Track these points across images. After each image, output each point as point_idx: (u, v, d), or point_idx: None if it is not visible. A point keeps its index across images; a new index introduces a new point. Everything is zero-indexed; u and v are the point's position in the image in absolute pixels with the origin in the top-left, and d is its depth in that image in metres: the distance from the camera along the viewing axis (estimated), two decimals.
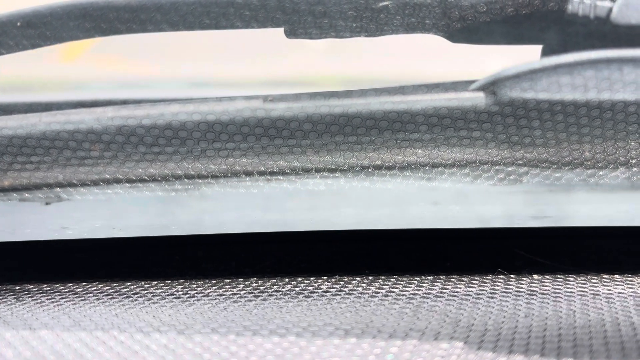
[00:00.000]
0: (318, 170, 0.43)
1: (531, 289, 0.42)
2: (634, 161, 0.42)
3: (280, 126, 0.40)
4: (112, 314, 0.39)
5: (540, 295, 0.41)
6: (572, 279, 0.44)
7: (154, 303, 0.41)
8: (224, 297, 0.42)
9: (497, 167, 0.42)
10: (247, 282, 0.45)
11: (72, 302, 0.42)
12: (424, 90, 0.41)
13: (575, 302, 0.39)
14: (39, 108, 0.53)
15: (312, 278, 0.45)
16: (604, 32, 0.42)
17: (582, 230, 0.50)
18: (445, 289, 0.42)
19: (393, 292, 0.42)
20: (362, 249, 0.50)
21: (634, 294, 0.41)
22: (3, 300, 0.42)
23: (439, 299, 0.41)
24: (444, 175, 0.43)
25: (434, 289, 0.42)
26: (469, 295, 0.41)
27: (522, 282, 0.43)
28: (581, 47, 0.37)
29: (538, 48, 0.47)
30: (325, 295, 0.42)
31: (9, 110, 0.53)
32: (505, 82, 0.38)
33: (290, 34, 0.46)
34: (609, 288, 0.42)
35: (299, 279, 0.45)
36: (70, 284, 0.45)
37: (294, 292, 0.42)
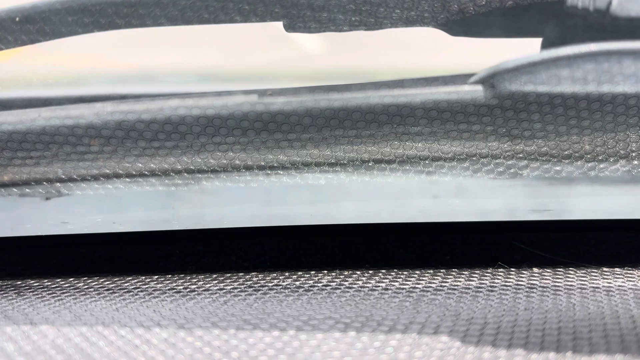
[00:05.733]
0: (318, 165, 0.43)
1: (531, 282, 0.42)
2: (634, 154, 0.42)
3: (280, 120, 0.40)
4: (113, 309, 0.39)
5: (540, 289, 0.41)
6: (572, 272, 0.44)
7: (154, 297, 0.41)
8: (224, 291, 0.42)
9: (496, 161, 0.42)
10: (247, 276, 0.45)
11: (73, 297, 0.42)
12: (423, 84, 0.41)
13: (575, 295, 0.39)
14: (38, 103, 0.53)
15: (312, 272, 0.45)
16: (603, 24, 0.42)
17: (582, 224, 0.50)
18: (445, 282, 0.42)
19: (393, 285, 0.42)
20: (361, 242, 0.50)
21: (634, 287, 0.41)
22: (4, 295, 0.43)
23: (438, 292, 0.41)
24: (444, 168, 0.43)
25: (433, 283, 0.42)
26: (469, 288, 0.41)
27: (522, 275, 0.43)
28: (581, 40, 0.37)
29: (537, 41, 0.47)
30: (325, 289, 0.42)
31: (8, 106, 0.53)
32: (504, 75, 0.38)
33: (289, 27, 0.46)
34: (608, 281, 0.42)
35: (299, 273, 0.45)
36: (71, 279, 0.45)
37: (294, 286, 0.42)
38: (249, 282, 0.44)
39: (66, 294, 0.42)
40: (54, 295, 0.42)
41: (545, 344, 0.32)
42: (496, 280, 0.42)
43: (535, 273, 0.44)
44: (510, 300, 0.39)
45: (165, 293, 0.42)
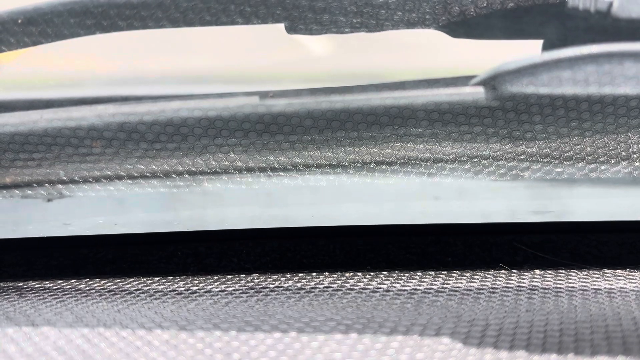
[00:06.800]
0: (319, 166, 0.43)
1: (532, 284, 0.42)
2: (635, 156, 0.42)
3: (282, 122, 0.40)
4: (115, 310, 0.39)
5: (542, 290, 0.41)
6: (573, 274, 0.44)
7: (156, 299, 0.41)
8: (225, 292, 0.42)
9: (498, 162, 0.42)
10: (249, 278, 0.45)
11: (74, 299, 0.42)
12: (425, 86, 0.41)
13: (576, 297, 0.39)
14: (40, 105, 0.53)
15: (313, 273, 0.45)
16: (604, 26, 0.42)
17: (583, 225, 0.50)
18: (447, 284, 0.42)
19: (394, 287, 0.42)
20: (363, 244, 0.50)
21: (636, 289, 0.41)
22: (6, 296, 0.43)
23: (440, 294, 0.41)
24: (445, 170, 0.43)
25: (435, 284, 0.42)
26: (471, 290, 0.41)
27: (524, 277, 0.43)
28: (582, 42, 0.37)
29: (539, 42, 0.47)
30: (327, 291, 0.42)
31: (10, 108, 0.53)
32: (506, 76, 0.38)
33: (291, 29, 0.46)
34: (610, 283, 0.42)
35: (301, 275, 0.45)
36: (73, 280, 0.45)
37: (295, 287, 0.42)
38: (250, 284, 0.44)
39: (68, 296, 0.42)
40: (55, 296, 0.42)
41: (547, 345, 0.32)
42: (498, 282, 0.42)
43: (537, 275, 0.44)
44: (512, 301, 0.39)
45: (167, 294, 0.42)
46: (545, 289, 0.41)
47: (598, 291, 0.40)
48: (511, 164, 0.42)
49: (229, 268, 0.48)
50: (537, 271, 0.44)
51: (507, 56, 0.39)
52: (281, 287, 0.43)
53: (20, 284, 0.45)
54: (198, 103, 0.40)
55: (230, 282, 0.44)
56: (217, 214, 0.47)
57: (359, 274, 0.45)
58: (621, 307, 0.37)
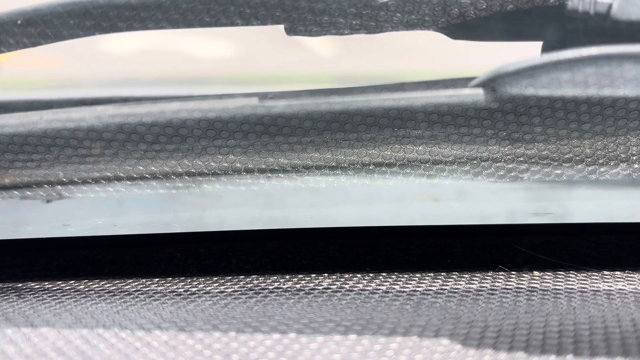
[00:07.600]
0: (319, 168, 0.43)
1: (532, 285, 0.42)
2: (634, 157, 0.42)
3: (281, 123, 0.40)
4: (114, 311, 0.39)
5: (541, 292, 0.41)
6: (572, 275, 0.44)
7: (155, 300, 0.41)
8: (224, 294, 0.42)
9: (497, 164, 0.43)
10: (248, 279, 0.45)
11: (73, 300, 0.42)
12: (424, 87, 0.41)
13: (575, 298, 0.40)
14: (39, 106, 0.53)
15: (312, 275, 0.45)
16: (604, 28, 0.42)
17: (583, 227, 0.50)
18: (446, 285, 0.42)
19: (393, 288, 0.42)
20: (362, 245, 0.50)
21: (635, 291, 0.41)
22: (5, 297, 0.43)
23: (439, 295, 0.41)
24: (445, 172, 0.43)
25: (434, 286, 0.42)
26: (470, 291, 0.41)
27: (523, 278, 0.43)
28: (581, 44, 0.37)
29: (538, 44, 0.47)
30: (326, 292, 0.42)
31: (10, 108, 0.53)
32: (505, 78, 0.38)
33: (290, 31, 0.46)
34: (609, 284, 0.42)
35: (300, 276, 0.45)
36: (72, 281, 0.45)
37: (294, 289, 0.43)
38: (249, 285, 0.44)
39: (67, 297, 0.42)
40: (54, 297, 0.42)
41: (546, 347, 0.32)
42: (497, 283, 0.42)
43: (536, 276, 0.44)
44: (511, 303, 0.39)
45: (166, 296, 0.42)
46: (544, 290, 0.41)
47: (597, 293, 0.40)
48: (510, 166, 0.42)
49: (228, 269, 0.48)
50: (536, 273, 0.44)
51: (506, 58, 0.39)
52: (280, 288, 0.43)
53: (20, 285, 0.45)
54: (197, 104, 0.40)
55: (229, 284, 0.44)
56: (216, 215, 0.47)
57: (358, 275, 0.45)
58: (620, 309, 0.37)
